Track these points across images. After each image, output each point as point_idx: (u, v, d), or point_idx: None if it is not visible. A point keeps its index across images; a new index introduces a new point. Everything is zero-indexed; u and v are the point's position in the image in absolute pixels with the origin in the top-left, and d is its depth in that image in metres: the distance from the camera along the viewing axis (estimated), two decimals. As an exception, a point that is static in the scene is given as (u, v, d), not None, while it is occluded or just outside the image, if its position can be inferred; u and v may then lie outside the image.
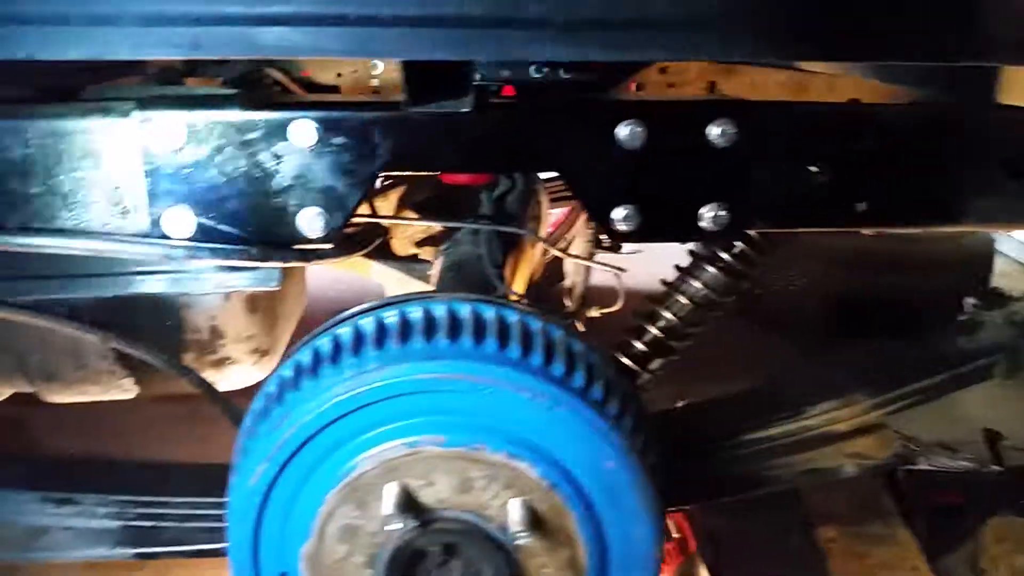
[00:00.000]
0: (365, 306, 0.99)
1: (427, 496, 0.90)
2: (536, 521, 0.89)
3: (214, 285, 1.32)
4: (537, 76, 1.07)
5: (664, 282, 1.42)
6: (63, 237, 1.06)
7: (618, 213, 1.09)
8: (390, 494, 0.88)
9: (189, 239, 1.07)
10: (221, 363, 1.35)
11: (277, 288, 1.35)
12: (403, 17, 0.89)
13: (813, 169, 1.12)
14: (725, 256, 1.34)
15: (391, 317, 0.94)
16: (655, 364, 1.42)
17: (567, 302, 1.68)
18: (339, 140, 1.04)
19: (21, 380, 1.35)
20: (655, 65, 2.08)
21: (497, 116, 1.06)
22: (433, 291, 0.95)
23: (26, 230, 1.06)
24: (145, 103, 1.03)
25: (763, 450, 1.18)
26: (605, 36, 0.94)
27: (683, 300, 1.37)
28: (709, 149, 1.08)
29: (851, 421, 1.20)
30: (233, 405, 1.25)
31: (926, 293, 2.32)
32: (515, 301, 0.99)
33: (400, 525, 0.87)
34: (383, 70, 2.15)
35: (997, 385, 1.35)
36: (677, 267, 1.40)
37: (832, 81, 1.82)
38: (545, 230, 1.55)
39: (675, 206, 1.12)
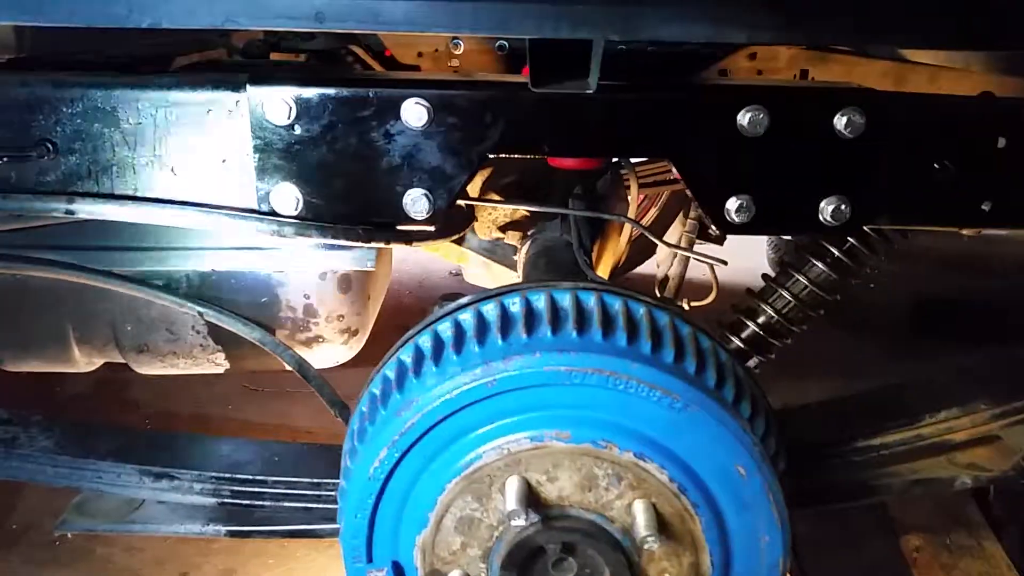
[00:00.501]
0: (481, 294, 0.96)
1: (549, 492, 0.86)
2: (661, 525, 0.86)
3: (312, 263, 1.31)
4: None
5: (766, 277, 1.37)
6: (170, 208, 1.05)
7: (732, 203, 1.05)
8: (512, 488, 0.85)
9: (295, 216, 1.05)
10: (312, 341, 1.33)
11: (372, 269, 1.34)
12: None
13: (945, 164, 1.07)
14: (836, 252, 1.28)
15: (514, 305, 0.91)
16: (752, 362, 1.37)
17: (658, 293, 1.64)
18: (451, 119, 1.01)
19: (113, 350, 1.35)
20: (744, 51, 2.01)
21: (617, 98, 1.02)
22: (550, 279, 0.91)
23: (133, 198, 1.05)
24: (258, 76, 1.00)
25: (876, 457, 1.13)
26: (747, 17, 0.90)
27: (787, 296, 1.32)
28: (835, 139, 1.03)
29: (970, 431, 1.14)
30: (327, 384, 1.24)
31: (1008, 296, 2.24)
32: (637, 292, 0.94)
33: (521, 520, 0.84)
34: (463, 51, 2.12)
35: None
36: (781, 262, 1.35)
37: (935, 73, 1.73)
38: (634, 214, 1.50)
39: (794, 198, 1.07)
